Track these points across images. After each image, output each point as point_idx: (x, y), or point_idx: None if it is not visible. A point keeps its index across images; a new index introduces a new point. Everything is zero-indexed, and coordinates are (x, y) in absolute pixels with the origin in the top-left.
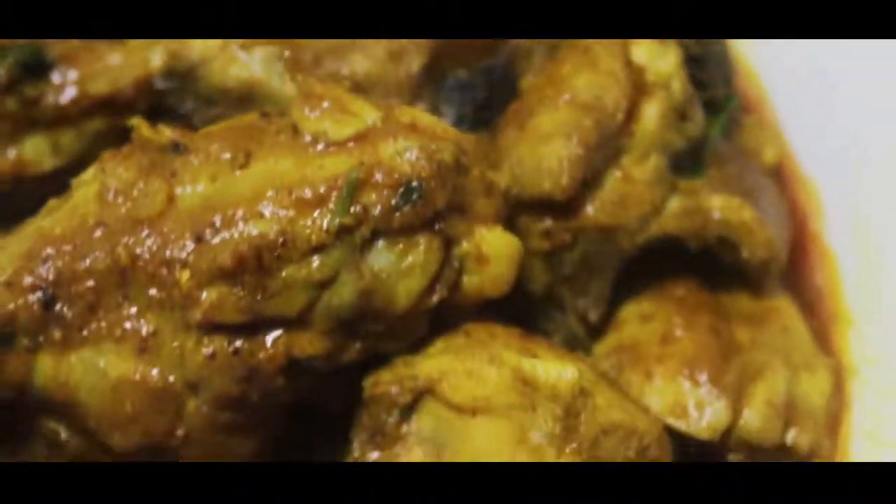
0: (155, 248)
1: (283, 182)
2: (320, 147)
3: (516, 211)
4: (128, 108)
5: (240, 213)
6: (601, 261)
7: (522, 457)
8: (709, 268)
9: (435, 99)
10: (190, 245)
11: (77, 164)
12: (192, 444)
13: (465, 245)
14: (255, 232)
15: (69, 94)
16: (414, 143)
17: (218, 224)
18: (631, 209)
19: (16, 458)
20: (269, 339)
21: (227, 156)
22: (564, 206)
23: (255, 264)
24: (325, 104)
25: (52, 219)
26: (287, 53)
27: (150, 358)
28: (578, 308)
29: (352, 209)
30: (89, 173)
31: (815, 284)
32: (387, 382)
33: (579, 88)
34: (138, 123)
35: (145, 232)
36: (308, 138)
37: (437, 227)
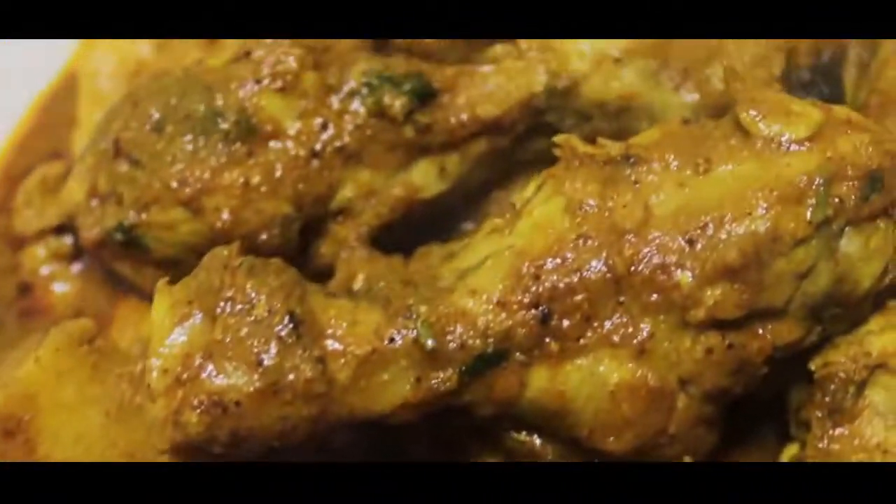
0: (649, 254)
1: (758, 183)
2: (780, 146)
3: None
4: (511, 129)
5: (728, 214)
6: None
7: None
8: None
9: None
10: (685, 248)
11: (458, 188)
12: (676, 441)
13: None
14: (751, 230)
15: (461, 118)
16: (865, 136)
17: (709, 226)
18: None
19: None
20: (759, 330)
21: (686, 162)
22: None
23: (755, 259)
24: (769, 107)
25: (521, 237)
26: (655, 64)
27: (648, 360)
28: None
29: (829, 201)
30: (536, 193)
31: None
32: (839, 362)
33: None
34: (568, 140)
35: (634, 239)
36: (761, 141)
37: (890, 212)
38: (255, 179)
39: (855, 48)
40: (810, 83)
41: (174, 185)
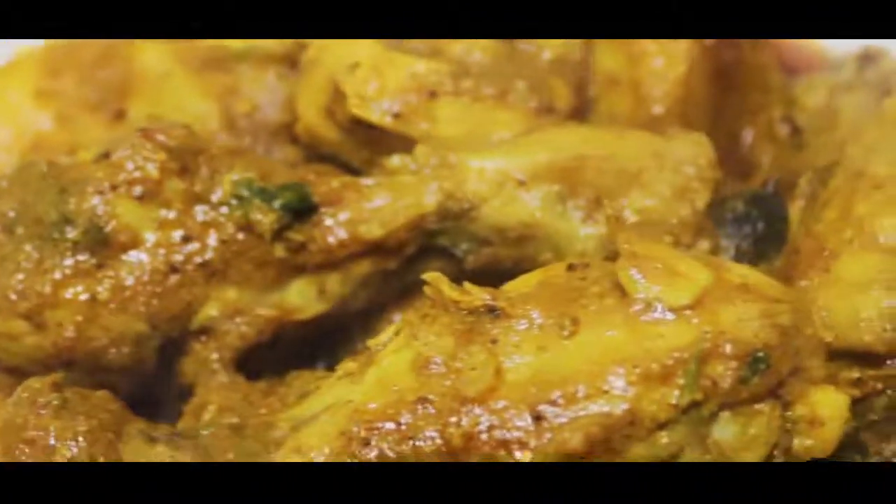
0: (489, 427)
1: (622, 354)
2: (655, 315)
3: None
4: (398, 251)
5: (581, 389)
6: None
7: None
8: None
9: (714, 234)
10: (529, 424)
11: (344, 307)
12: None
13: (799, 408)
14: (602, 410)
15: (340, 237)
16: (754, 308)
17: (559, 401)
18: None
19: None
20: None
21: (552, 322)
22: (880, 357)
23: (604, 446)
24: (652, 265)
25: (362, 392)
26: (563, 190)
27: None
28: (883, 453)
29: (700, 383)
30: (392, 337)
31: None
32: None
33: (888, 230)
34: (437, 280)
35: (476, 410)
36: (638, 303)
37: (778, 393)
38: (103, 295)
39: (809, 176)
40: (744, 216)
41: (13, 296)
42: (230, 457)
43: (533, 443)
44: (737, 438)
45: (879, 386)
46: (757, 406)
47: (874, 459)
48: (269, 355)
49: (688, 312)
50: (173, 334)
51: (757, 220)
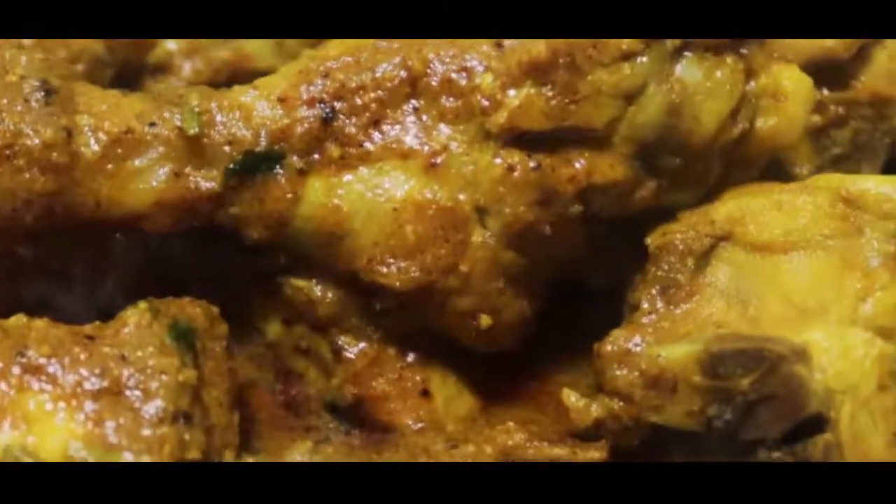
0: (451, 55)
1: None
2: None
3: None
4: None
5: None
6: (872, 142)
7: (853, 284)
8: None
9: None
10: (492, 51)
11: None
12: (470, 288)
13: (763, 79)
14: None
15: None
16: None
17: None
18: None
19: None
20: (573, 157)
21: None
22: (840, 73)
23: (568, 61)
24: None
25: (324, 46)
26: None
27: (440, 175)
28: None
29: None
30: None
31: None
32: (678, 232)
33: None
34: None
35: (437, 42)
36: None
37: (741, 50)
38: None
39: None
40: None
41: None
42: (181, 92)
43: (493, 64)
44: (701, 83)
45: (842, 112)
46: (722, 56)
47: None
48: None
49: None
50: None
51: None
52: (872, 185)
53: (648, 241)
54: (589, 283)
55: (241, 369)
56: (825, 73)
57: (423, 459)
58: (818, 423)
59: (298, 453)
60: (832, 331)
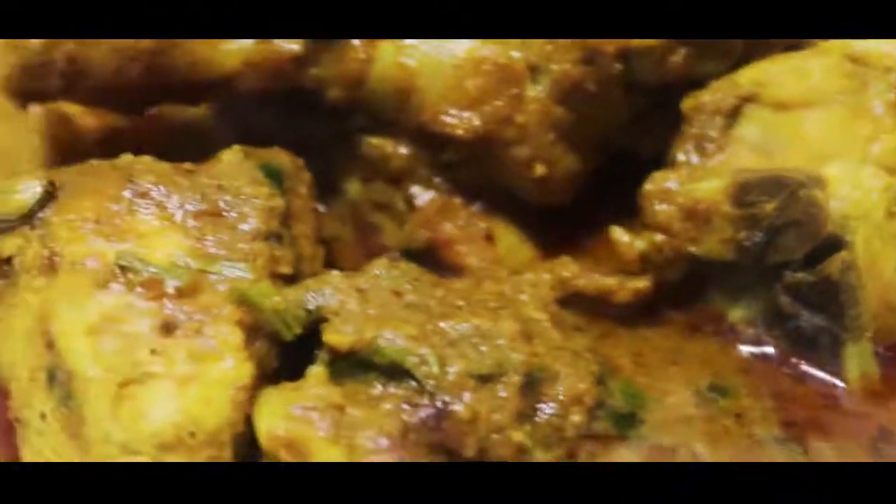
0: None
1: None
2: None
3: None
4: None
5: None
6: None
7: (862, 130)
8: None
9: None
10: None
11: None
12: (524, 139)
13: None
14: None
15: None
16: None
17: None
18: None
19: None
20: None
21: None
22: None
23: None
24: None
25: None
26: None
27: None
28: None
29: None
30: None
31: None
32: (707, 94)
33: None
34: None
35: None
36: None
37: None
38: None
39: None
40: None
41: None
42: None
43: None
44: None
45: None
46: None
47: None
48: None
49: None
50: None
51: None
52: (873, 44)
53: (682, 106)
54: (637, 151)
55: (326, 227)
56: None
57: (488, 284)
58: (837, 243)
59: (376, 267)
60: (846, 167)
